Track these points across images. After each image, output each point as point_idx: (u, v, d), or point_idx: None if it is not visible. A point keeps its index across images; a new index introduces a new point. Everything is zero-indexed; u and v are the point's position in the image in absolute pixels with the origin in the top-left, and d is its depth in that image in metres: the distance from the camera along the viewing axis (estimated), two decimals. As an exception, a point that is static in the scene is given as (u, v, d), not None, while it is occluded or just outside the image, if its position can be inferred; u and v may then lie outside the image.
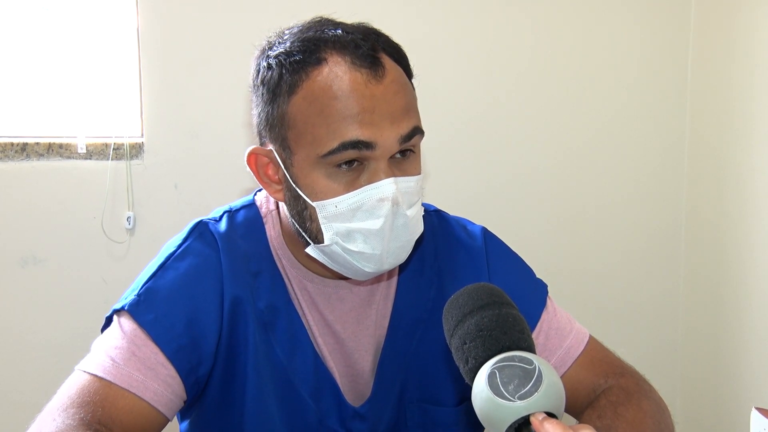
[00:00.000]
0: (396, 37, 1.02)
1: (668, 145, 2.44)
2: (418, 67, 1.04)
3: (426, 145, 1.08)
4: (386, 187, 0.94)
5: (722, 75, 2.29)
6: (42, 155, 2.03)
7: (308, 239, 1.00)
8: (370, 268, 0.99)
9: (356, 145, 0.92)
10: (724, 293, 2.30)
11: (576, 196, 2.40)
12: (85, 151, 2.04)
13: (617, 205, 2.44)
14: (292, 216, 1.00)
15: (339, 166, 0.94)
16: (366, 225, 0.95)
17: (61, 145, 2.03)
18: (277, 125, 0.96)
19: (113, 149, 2.05)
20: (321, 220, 0.96)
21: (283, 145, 0.97)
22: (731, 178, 2.25)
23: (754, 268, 2.17)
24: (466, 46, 2.27)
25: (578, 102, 2.37)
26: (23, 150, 2.01)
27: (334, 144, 0.92)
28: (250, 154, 1.01)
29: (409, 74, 1.00)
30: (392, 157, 0.95)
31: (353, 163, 0.94)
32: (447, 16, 2.25)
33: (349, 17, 1.03)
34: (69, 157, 2.04)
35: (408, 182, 0.97)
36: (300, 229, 1.00)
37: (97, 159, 2.06)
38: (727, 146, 2.27)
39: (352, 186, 0.95)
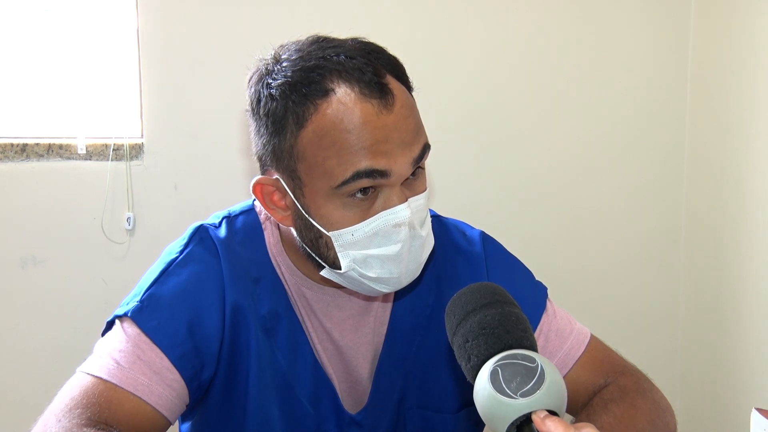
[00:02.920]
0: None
1: (668, 146, 2.45)
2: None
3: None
4: (402, 212, 0.94)
5: (722, 77, 2.29)
6: (42, 156, 2.03)
7: (324, 264, 1.00)
8: (386, 289, 0.99)
9: (371, 174, 0.91)
10: (723, 294, 2.30)
11: (576, 197, 2.41)
12: (84, 152, 2.04)
13: (617, 206, 2.44)
14: (305, 243, 1.00)
15: (353, 195, 0.93)
16: (383, 251, 0.95)
17: (61, 146, 2.03)
18: (285, 157, 0.95)
19: (113, 150, 2.05)
20: (337, 248, 0.96)
21: (292, 176, 0.96)
22: (731, 180, 2.25)
23: (753, 269, 2.17)
24: (466, 50, 2.27)
25: (578, 104, 2.37)
26: (23, 151, 2.01)
27: (348, 174, 0.91)
28: (255, 185, 1.00)
29: (409, 88, 0.99)
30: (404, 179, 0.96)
31: (367, 190, 0.93)
32: (447, 19, 2.25)
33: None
34: (69, 158, 2.04)
35: (418, 200, 0.97)
36: (315, 255, 1.00)
37: (96, 160, 2.06)
38: (727, 148, 2.27)
39: (367, 213, 0.94)
